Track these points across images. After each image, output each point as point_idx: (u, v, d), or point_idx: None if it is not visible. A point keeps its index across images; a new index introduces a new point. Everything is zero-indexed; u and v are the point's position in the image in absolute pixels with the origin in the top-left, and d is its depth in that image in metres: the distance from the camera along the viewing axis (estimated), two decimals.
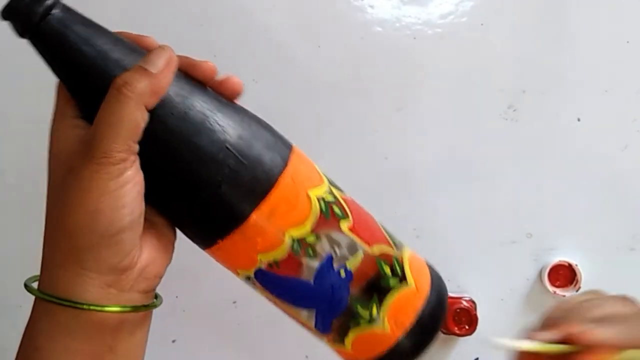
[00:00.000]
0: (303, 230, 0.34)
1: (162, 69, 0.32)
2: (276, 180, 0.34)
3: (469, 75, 0.73)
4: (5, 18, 0.32)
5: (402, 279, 0.36)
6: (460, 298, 0.71)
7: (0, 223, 0.73)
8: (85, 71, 0.33)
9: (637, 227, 0.74)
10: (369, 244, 0.36)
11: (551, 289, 0.72)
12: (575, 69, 0.72)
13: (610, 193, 0.73)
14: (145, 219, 0.33)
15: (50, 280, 0.33)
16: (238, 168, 0.33)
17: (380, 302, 0.35)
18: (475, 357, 0.74)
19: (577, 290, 0.71)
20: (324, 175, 0.38)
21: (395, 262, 0.37)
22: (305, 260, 0.34)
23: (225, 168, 0.33)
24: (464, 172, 0.73)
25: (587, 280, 0.72)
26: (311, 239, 0.34)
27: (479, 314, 0.71)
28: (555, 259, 0.72)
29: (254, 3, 0.72)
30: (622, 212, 0.73)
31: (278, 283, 0.35)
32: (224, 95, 0.36)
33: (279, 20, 0.72)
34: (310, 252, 0.34)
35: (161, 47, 0.33)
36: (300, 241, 0.34)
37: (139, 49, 0.34)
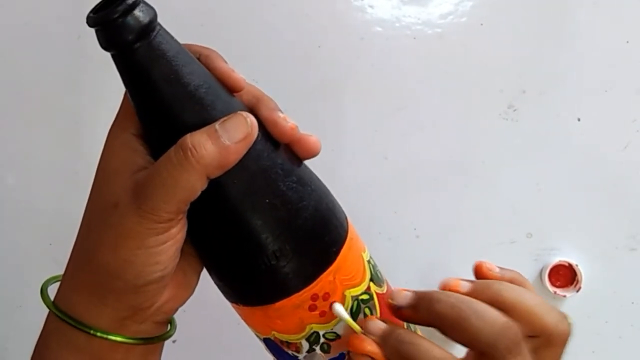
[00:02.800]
0: (326, 327, 0.33)
1: (237, 142, 0.29)
2: (318, 277, 0.32)
3: (469, 75, 0.73)
4: (93, 26, 0.29)
5: None
6: None
7: (0, 223, 0.73)
8: (160, 110, 0.30)
9: (637, 227, 0.74)
10: None
11: (552, 289, 0.72)
12: (575, 69, 0.72)
13: (610, 193, 0.73)
14: None
15: (66, 300, 0.32)
16: (287, 254, 0.31)
17: None
18: None
19: (577, 291, 0.71)
20: (368, 260, 0.35)
21: None
22: (317, 352, 0.34)
23: (275, 250, 0.31)
24: (464, 172, 0.73)
25: (588, 280, 0.72)
26: (330, 335, 0.33)
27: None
28: (556, 259, 0.72)
29: (254, 3, 0.72)
30: (622, 212, 0.73)
31: (284, 355, 0.35)
32: (298, 153, 0.33)
33: (279, 20, 0.72)
34: (325, 347, 0.33)
35: (243, 117, 0.30)
36: (320, 335, 0.33)
37: (224, 95, 0.31)
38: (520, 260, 0.74)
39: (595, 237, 0.73)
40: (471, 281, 0.34)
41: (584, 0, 0.72)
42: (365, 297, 0.34)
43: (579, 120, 0.73)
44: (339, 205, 0.35)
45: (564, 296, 0.71)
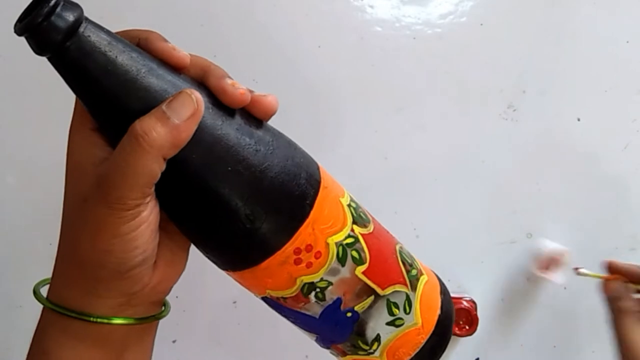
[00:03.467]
0: (315, 277, 0.34)
1: (185, 119, 0.30)
2: (296, 231, 0.33)
3: (469, 75, 0.73)
4: (21, 34, 0.29)
5: (409, 317, 0.36)
6: (460, 298, 0.71)
7: (0, 223, 0.73)
8: (105, 102, 0.30)
9: (637, 227, 0.74)
10: (381, 286, 0.36)
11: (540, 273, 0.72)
12: (575, 69, 0.72)
13: (610, 193, 0.73)
14: (160, 227, 0.32)
15: (60, 293, 0.33)
16: (260, 216, 0.32)
17: (382, 338, 0.36)
18: (476, 357, 0.74)
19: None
20: (348, 204, 0.36)
21: (406, 303, 0.36)
22: (313, 301, 0.34)
23: (247, 213, 0.31)
24: (464, 172, 0.73)
25: (588, 279, 0.72)
26: (322, 284, 0.34)
27: (479, 314, 0.71)
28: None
29: (254, 3, 0.72)
30: (622, 212, 0.74)
31: (284, 310, 0.36)
32: (255, 115, 0.33)
33: (279, 20, 0.72)
34: (320, 295, 0.34)
35: (188, 94, 0.30)
36: (311, 285, 0.34)
37: (167, 75, 0.31)
38: (521, 260, 0.74)
39: (595, 237, 0.74)
40: None
41: (584, 0, 0.72)
42: (350, 240, 0.34)
43: (579, 120, 0.73)
44: (308, 158, 0.35)
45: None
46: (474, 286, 0.74)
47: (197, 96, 0.30)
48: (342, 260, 0.34)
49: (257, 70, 0.70)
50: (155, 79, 0.31)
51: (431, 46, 0.72)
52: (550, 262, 0.72)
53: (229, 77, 0.32)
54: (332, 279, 0.34)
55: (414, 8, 0.72)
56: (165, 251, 0.33)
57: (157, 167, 0.30)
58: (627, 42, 0.72)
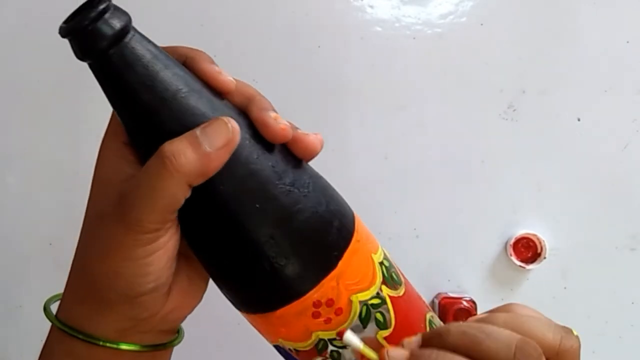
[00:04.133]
0: (333, 334, 0.31)
1: (218, 148, 0.28)
2: (318, 282, 0.30)
3: (469, 75, 0.73)
4: (65, 36, 0.28)
5: None
6: (460, 298, 0.71)
7: (0, 223, 0.73)
8: (139, 117, 0.29)
9: (637, 227, 0.74)
10: None
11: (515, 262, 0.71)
12: (575, 69, 0.72)
13: (610, 193, 0.73)
14: (180, 252, 0.31)
15: (69, 309, 0.31)
16: (283, 260, 0.30)
17: None
18: None
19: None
20: (380, 262, 0.34)
21: None
22: (327, 359, 0.32)
23: (270, 256, 0.30)
24: (464, 172, 0.73)
25: (588, 280, 0.72)
26: (339, 343, 0.31)
27: (479, 314, 0.71)
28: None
29: (254, 3, 0.72)
30: (622, 212, 0.73)
31: None
32: (295, 153, 0.31)
33: (279, 20, 0.72)
34: (335, 355, 0.32)
35: (224, 122, 0.28)
36: (327, 342, 0.31)
37: (208, 98, 0.29)
38: None
39: (595, 237, 0.73)
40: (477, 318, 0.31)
41: (584, 0, 0.72)
42: (376, 301, 0.32)
43: (579, 120, 0.73)
44: (344, 207, 0.33)
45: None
46: (474, 286, 0.74)
47: (234, 125, 0.28)
48: (364, 321, 0.31)
49: (257, 70, 0.70)
50: (195, 100, 0.29)
51: (431, 46, 0.72)
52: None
53: (274, 110, 0.31)
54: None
55: (414, 8, 0.72)
56: (182, 278, 0.32)
57: (180, 194, 0.28)
58: (627, 42, 0.72)
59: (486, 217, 0.74)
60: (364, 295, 0.32)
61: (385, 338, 0.32)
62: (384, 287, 0.33)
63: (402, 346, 0.30)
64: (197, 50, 0.32)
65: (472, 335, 0.28)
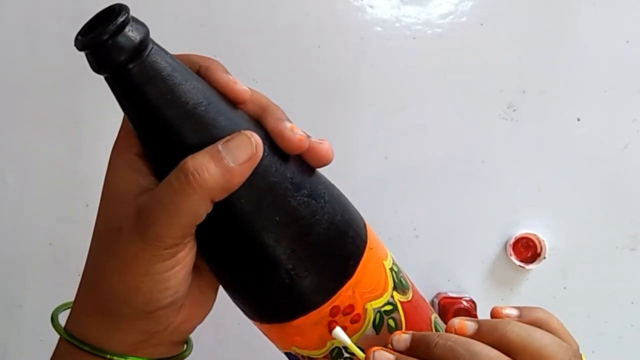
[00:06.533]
0: (348, 342, 0.32)
1: (241, 163, 0.27)
2: (336, 292, 0.30)
3: (469, 75, 0.73)
4: (82, 49, 0.27)
5: None
6: (460, 298, 0.71)
7: (0, 223, 0.73)
8: (159, 131, 0.28)
9: (637, 227, 0.74)
10: None
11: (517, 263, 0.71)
12: (575, 69, 0.72)
13: (610, 193, 0.73)
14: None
15: (78, 321, 0.31)
16: (302, 271, 0.30)
17: None
18: None
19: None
20: (390, 268, 0.34)
21: None
22: None
23: (289, 267, 0.29)
24: (464, 172, 0.73)
25: (588, 280, 0.72)
26: (353, 349, 0.32)
27: (478, 314, 0.71)
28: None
29: (254, 3, 0.72)
30: (622, 212, 0.73)
31: None
32: (309, 162, 0.31)
33: (279, 20, 0.72)
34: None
35: (247, 137, 0.28)
36: (342, 350, 0.32)
37: (226, 111, 0.29)
38: None
39: (595, 237, 0.73)
40: (479, 321, 0.32)
41: (584, 0, 0.72)
42: (388, 307, 0.32)
43: (579, 120, 0.73)
44: (356, 214, 0.33)
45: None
46: (474, 286, 0.74)
47: (257, 140, 0.28)
48: (377, 327, 0.32)
49: (257, 70, 0.70)
50: (215, 113, 0.29)
51: (431, 46, 0.72)
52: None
53: (289, 120, 0.31)
54: (364, 345, 0.32)
55: (414, 8, 0.72)
56: (193, 290, 0.32)
57: (203, 209, 0.28)
58: (627, 42, 0.72)
59: (486, 217, 0.74)
60: (378, 303, 0.32)
61: None
62: (395, 293, 0.33)
63: (391, 342, 0.31)
64: (211, 59, 0.31)
65: (458, 353, 0.28)
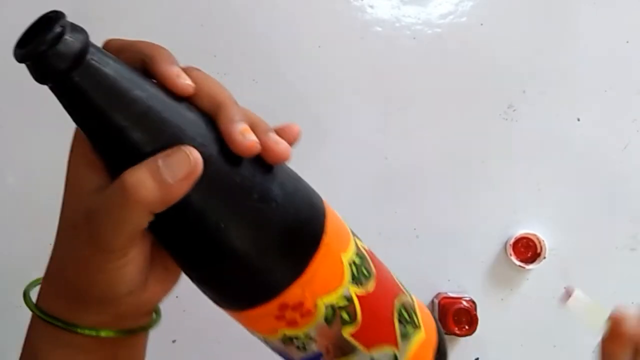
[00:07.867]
0: (297, 332, 0.32)
1: (179, 179, 0.28)
2: (283, 289, 0.31)
3: (469, 75, 0.73)
4: (22, 61, 0.27)
5: None
6: (460, 298, 0.71)
7: (0, 223, 0.73)
8: (103, 137, 0.28)
9: (637, 227, 0.74)
10: (367, 346, 0.34)
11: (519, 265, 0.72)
12: (575, 69, 0.72)
13: (610, 193, 0.73)
14: (155, 244, 0.31)
15: (48, 300, 0.32)
16: (247, 271, 0.30)
17: None
18: (476, 357, 0.74)
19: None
20: (351, 261, 0.33)
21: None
22: (294, 349, 0.33)
23: (235, 267, 0.30)
24: (464, 172, 0.73)
25: (588, 280, 0.72)
26: (304, 339, 0.32)
27: (479, 314, 0.71)
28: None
29: (254, 3, 0.72)
30: (622, 212, 0.74)
31: (269, 345, 0.35)
32: (265, 160, 0.31)
33: (279, 20, 0.72)
34: (301, 346, 0.33)
35: (186, 154, 0.28)
36: (292, 338, 0.32)
37: (173, 114, 0.29)
38: None
39: (595, 237, 0.73)
40: None
41: (584, 0, 0.72)
42: (342, 302, 0.32)
43: (579, 120, 0.73)
44: (314, 209, 0.33)
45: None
46: (474, 286, 0.74)
47: (196, 157, 0.28)
48: (329, 321, 0.32)
49: (257, 70, 0.70)
50: (159, 118, 0.28)
51: (431, 46, 0.72)
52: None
53: (244, 118, 0.30)
54: (315, 336, 0.32)
55: (414, 8, 0.72)
56: (157, 268, 0.32)
57: (143, 220, 0.28)
58: (627, 42, 0.72)
59: (486, 217, 0.74)
60: (330, 298, 0.32)
61: (351, 334, 0.33)
62: (351, 286, 0.33)
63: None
64: (156, 47, 0.30)
65: None
